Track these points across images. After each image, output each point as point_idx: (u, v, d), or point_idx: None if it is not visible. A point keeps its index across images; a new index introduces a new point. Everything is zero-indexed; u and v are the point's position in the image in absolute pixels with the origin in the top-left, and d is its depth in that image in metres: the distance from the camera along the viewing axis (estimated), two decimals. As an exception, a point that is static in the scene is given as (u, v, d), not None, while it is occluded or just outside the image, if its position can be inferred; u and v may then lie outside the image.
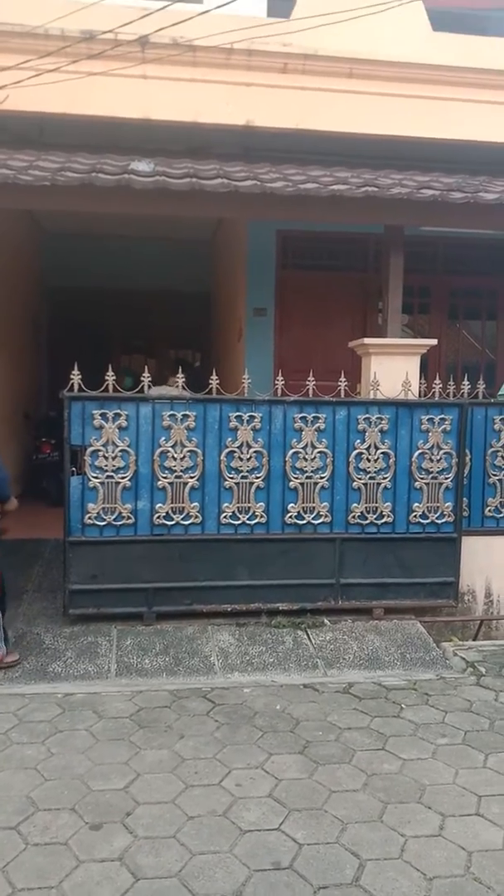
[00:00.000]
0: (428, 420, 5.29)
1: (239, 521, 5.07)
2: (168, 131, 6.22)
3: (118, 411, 4.92)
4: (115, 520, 4.92)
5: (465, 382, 5.41)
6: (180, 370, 5.19)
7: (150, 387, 5.06)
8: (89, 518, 4.89)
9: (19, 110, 5.92)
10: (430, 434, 5.29)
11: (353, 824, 3.01)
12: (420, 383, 5.49)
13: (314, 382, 5.20)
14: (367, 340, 5.66)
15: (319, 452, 5.18)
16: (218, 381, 5.09)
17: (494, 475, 5.52)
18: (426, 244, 7.11)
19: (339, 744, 3.66)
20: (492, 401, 5.62)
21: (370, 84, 6.24)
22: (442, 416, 5.30)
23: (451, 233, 6.87)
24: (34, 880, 2.63)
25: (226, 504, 5.06)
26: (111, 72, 5.91)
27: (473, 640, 5.42)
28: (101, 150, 6.15)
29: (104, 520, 4.90)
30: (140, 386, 5.03)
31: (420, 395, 5.43)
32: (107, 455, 4.90)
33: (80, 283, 10.03)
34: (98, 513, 4.89)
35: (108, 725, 3.79)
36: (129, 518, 4.93)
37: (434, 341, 5.82)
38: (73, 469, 4.93)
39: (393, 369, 5.44)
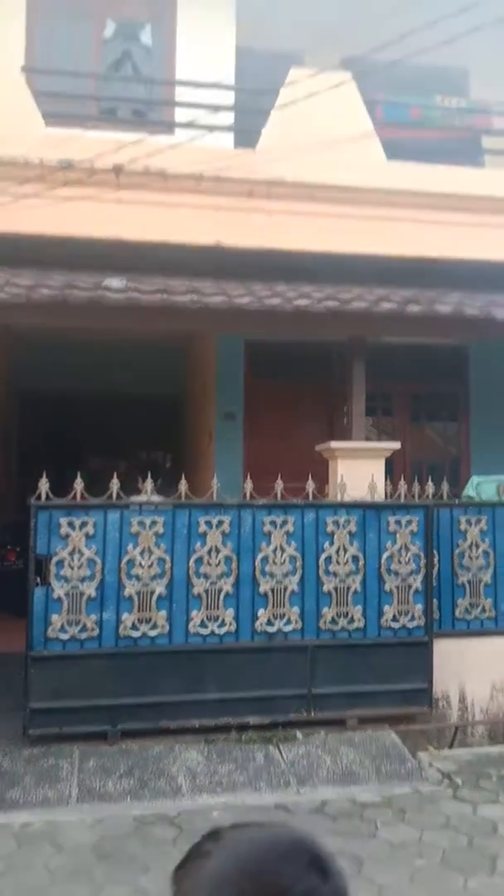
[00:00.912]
0: (395, 522, 5.35)
1: (208, 631, 4.98)
2: (141, 250, 6.54)
3: (86, 519, 4.91)
4: (79, 632, 4.80)
5: (430, 484, 5.51)
6: (149, 476, 5.22)
7: (118, 493, 5.07)
8: (52, 631, 4.76)
9: (-3, 231, 6.22)
10: (397, 536, 5.33)
11: None
12: (386, 484, 5.59)
13: (283, 485, 5.26)
14: (333, 444, 5.79)
15: (289, 556, 5.18)
16: (187, 486, 5.13)
17: (463, 576, 5.54)
18: (387, 351, 7.40)
19: (310, 872, 3.47)
20: (456, 501, 5.72)
21: (331, 207, 6.68)
22: (408, 517, 5.37)
23: (410, 341, 7.18)
24: None
25: (194, 612, 4.98)
26: (87, 197, 6.28)
27: (449, 748, 5.26)
28: (75, 267, 6.42)
29: (68, 632, 4.78)
30: (109, 493, 5.03)
31: (386, 497, 5.51)
32: (72, 564, 4.84)
33: (51, 386, 10.18)
34: (62, 625, 4.78)
35: (66, 860, 3.57)
36: (93, 630, 4.82)
37: (397, 445, 5.97)
38: (38, 579, 4.85)
39: (359, 471, 5.54)
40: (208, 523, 5.09)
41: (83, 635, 4.80)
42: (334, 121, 6.49)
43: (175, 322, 5.72)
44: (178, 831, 3.84)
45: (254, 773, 4.55)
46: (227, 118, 7.22)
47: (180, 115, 7.42)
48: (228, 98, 7.47)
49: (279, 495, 5.24)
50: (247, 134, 7.16)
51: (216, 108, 6.54)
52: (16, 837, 3.76)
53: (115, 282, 5.81)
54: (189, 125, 6.51)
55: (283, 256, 6.71)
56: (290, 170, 6.35)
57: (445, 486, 5.62)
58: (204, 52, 7.97)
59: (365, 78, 6.63)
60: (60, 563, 4.83)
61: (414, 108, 8.26)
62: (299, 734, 4.98)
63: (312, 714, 5.04)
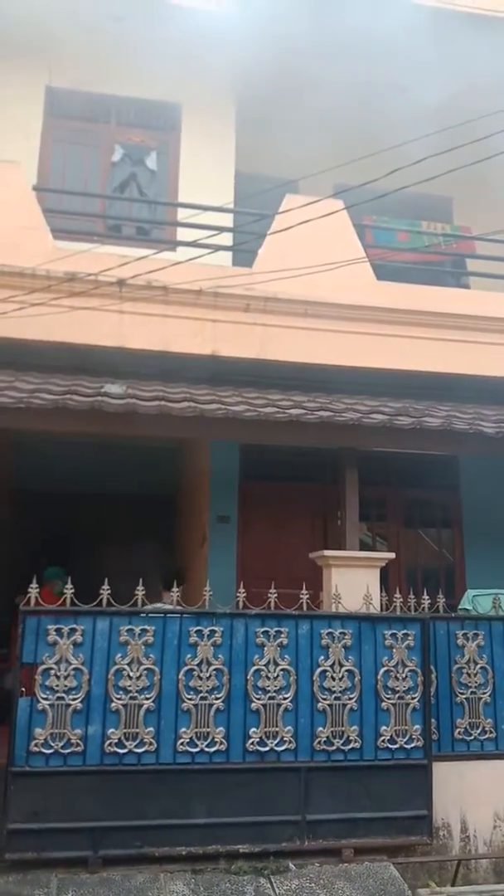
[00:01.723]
0: (391, 635, 5.25)
1: (197, 749, 4.76)
2: (140, 357, 6.74)
3: (74, 626, 4.79)
4: (62, 747, 4.59)
5: (426, 597, 5.46)
6: (175, 584, 5.13)
7: (109, 600, 4.94)
8: (35, 745, 4.55)
9: (2, 337, 6.41)
10: (394, 650, 5.22)
11: None
12: (381, 594, 5.52)
13: (276, 593, 5.19)
14: (327, 553, 5.76)
15: (282, 670, 5.04)
16: (179, 593, 5.06)
17: (461, 693, 5.38)
18: (380, 459, 7.51)
19: None
20: (453, 615, 5.65)
21: (323, 322, 6.96)
22: (405, 631, 5.28)
23: (402, 450, 7.31)
24: None
25: (183, 729, 4.78)
26: (91, 307, 6.53)
27: (452, 885, 4.93)
28: (75, 372, 6.59)
29: (51, 747, 4.57)
30: (98, 599, 4.92)
31: (382, 608, 5.43)
32: (59, 674, 4.69)
33: (46, 486, 10.18)
34: (45, 739, 4.58)
35: None
36: (77, 745, 4.61)
37: (392, 555, 5.96)
38: (23, 689, 4.68)
39: (353, 581, 5.50)
40: (199, 633, 4.98)
41: (67, 750, 4.59)
42: (327, 244, 6.88)
43: (172, 429, 5.83)
44: None
45: (243, 912, 4.23)
46: (227, 238, 7.64)
47: (182, 234, 7.86)
48: (228, 220, 7.95)
49: (273, 605, 5.16)
50: (245, 253, 7.57)
51: (217, 230, 6.93)
52: None
53: (114, 387, 5.95)
54: (191, 244, 6.89)
55: (277, 366, 6.94)
56: (285, 287, 6.67)
57: (441, 599, 5.55)
58: (205, 176, 8.55)
59: (356, 204, 7.09)
60: (46, 673, 4.67)
61: (401, 233, 8.80)
62: (292, 865, 4.67)
63: (306, 843, 4.76)
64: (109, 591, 4.95)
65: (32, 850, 4.45)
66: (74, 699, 4.66)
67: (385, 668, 5.17)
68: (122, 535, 10.36)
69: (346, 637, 5.18)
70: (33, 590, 4.83)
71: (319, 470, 7.85)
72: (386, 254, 8.17)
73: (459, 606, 6.07)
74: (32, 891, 4.27)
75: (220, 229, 6.96)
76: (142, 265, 6.39)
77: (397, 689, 5.15)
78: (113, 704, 4.71)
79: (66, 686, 4.67)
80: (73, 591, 4.90)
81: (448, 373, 7.11)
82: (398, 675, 5.17)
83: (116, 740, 4.67)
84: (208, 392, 6.22)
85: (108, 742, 4.65)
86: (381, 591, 5.55)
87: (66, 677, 4.68)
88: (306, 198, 6.80)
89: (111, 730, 4.67)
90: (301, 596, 5.24)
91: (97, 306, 6.52)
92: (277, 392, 6.61)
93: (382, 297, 7.14)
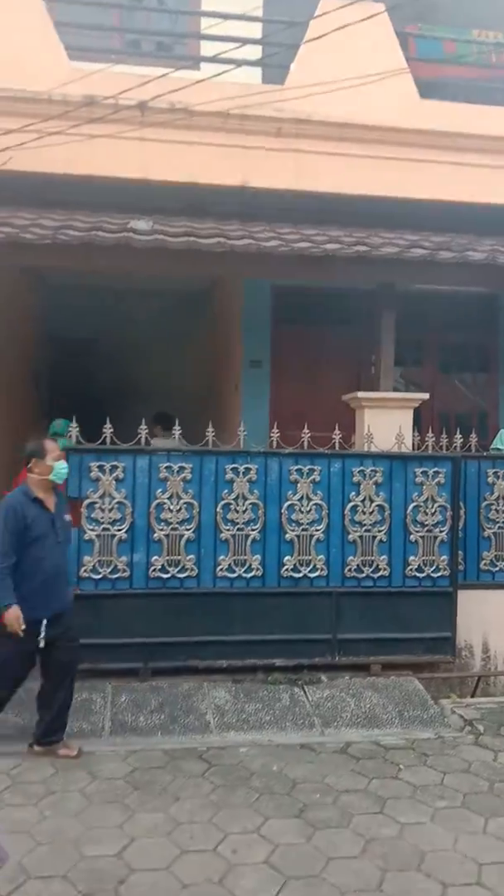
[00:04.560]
0: (422, 473, 5.34)
1: (235, 575, 5.06)
2: (166, 191, 6.39)
3: (115, 463, 4.96)
4: (110, 573, 4.90)
5: (458, 436, 5.47)
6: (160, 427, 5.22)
7: (147, 440, 5.09)
8: (85, 571, 4.87)
9: (22, 170, 6.05)
10: (424, 487, 5.33)
11: (351, 893, 2.94)
12: (413, 435, 5.55)
13: (309, 434, 5.25)
14: (360, 394, 5.74)
15: (315, 505, 5.21)
16: (214, 433, 5.14)
17: (489, 528, 5.54)
18: (417, 300, 7.25)
19: (336, 807, 3.59)
20: (484, 454, 5.68)
21: (361, 147, 6.46)
22: (436, 469, 5.35)
23: (441, 290, 7.02)
24: None
25: (221, 557, 5.05)
26: (111, 135, 6.11)
27: (471, 696, 5.36)
28: (100, 209, 6.30)
29: (100, 573, 4.89)
30: (137, 438, 5.05)
31: (414, 448, 5.48)
32: (103, 507, 4.91)
33: (80, 333, 10.17)
34: (94, 566, 4.89)
35: (101, 787, 3.72)
36: (124, 571, 4.92)
37: (426, 395, 5.91)
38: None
39: (387, 422, 5.51)
40: (235, 471, 5.12)
41: (115, 576, 4.91)
42: (366, 55, 6.21)
43: (201, 265, 5.63)
44: (206, 766, 3.97)
45: (280, 714, 4.68)
46: (255, 52, 6.93)
47: (206, 48, 7.14)
48: (256, 31, 7.16)
49: (306, 445, 5.23)
50: (275, 69, 6.89)
51: (243, 42, 6.27)
52: (52, 765, 3.92)
53: (141, 224, 5.69)
54: (215, 59, 6.26)
55: (311, 199, 6.54)
56: (320, 108, 6.12)
57: (474, 439, 5.57)
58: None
59: (397, 5, 6.29)
60: (91, 506, 4.90)
61: (448, 43, 7.87)
62: (324, 678, 5.09)
63: (337, 658, 5.15)
64: (147, 431, 5.06)
65: (88, 662, 4.86)
66: (119, 530, 4.92)
67: (414, 504, 5.31)
68: (154, 379, 10.44)
69: (378, 475, 5.29)
70: (74, 429, 4.94)
71: (354, 313, 7.62)
72: (431, 68, 7.38)
73: (492, 446, 6.10)
74: (90, 695, 4.75)
75: (248, 41, 6.30)
76: (163, 84, 5.87)
77: (426, 522, 5.31)
78: (155, 535, 4.96)
79: (110, 518, 4.91)
80: (111, 430, 5.01)
81: (495, 203, 6.63)
82: (427, 511, 5.32)
83: (160, 566, 4.97)
84: (239, 227, 5.93)
85: (152, 568, 4.95)
86: (414, 433, 5.57)
87: (110, 510, 4.91)
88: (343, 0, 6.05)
89: (154, 557, 4.96)
90: (333, 437, 5.29)
91: (118, 133, 6.09)
92: (312, 227, 6.27)
93: (426, 118, 6.54)
